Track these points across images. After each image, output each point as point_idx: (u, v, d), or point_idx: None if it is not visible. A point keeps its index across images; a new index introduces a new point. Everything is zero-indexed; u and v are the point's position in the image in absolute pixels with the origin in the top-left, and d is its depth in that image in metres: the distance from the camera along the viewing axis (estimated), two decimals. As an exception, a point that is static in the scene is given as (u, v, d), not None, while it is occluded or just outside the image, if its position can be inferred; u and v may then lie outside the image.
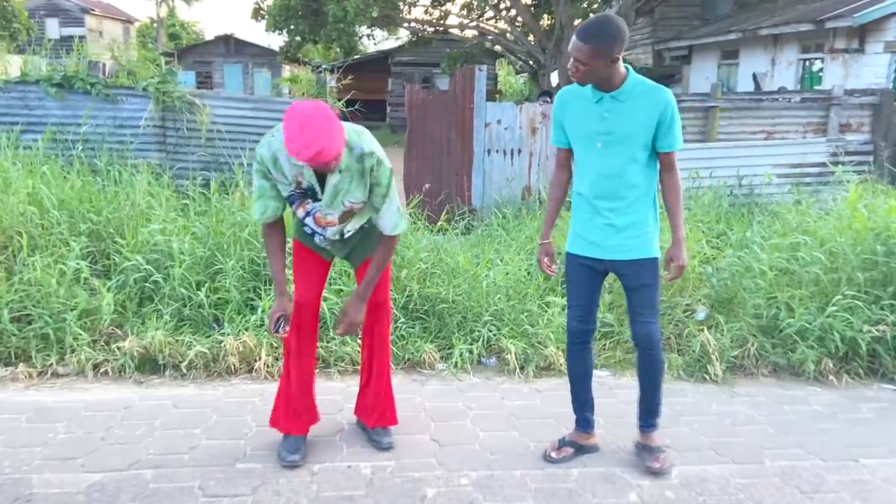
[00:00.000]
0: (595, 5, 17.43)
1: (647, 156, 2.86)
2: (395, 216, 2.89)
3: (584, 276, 3.04)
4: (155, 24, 49.00)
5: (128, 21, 47.13)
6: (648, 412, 3.12)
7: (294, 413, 3.12)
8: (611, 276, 3.25)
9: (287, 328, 2.89)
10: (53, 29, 38.06)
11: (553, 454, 3.13)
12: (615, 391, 3.92)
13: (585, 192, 2.95)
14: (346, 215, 2.88)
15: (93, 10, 41.71)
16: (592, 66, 2.71)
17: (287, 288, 2.96)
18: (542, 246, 3.17)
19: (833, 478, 3.04)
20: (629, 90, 2.80)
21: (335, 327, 3.08)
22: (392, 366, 4.13)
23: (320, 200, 2.81)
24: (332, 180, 2.74)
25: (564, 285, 4.99)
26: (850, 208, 4.74)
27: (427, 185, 6.83)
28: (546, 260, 3.16)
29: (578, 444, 3.18)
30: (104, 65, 8.83)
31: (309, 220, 2.91)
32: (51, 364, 3.88)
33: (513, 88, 33.80)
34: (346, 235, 3.00)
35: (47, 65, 8.71)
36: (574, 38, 2.73)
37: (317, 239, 3.00)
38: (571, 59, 2.75)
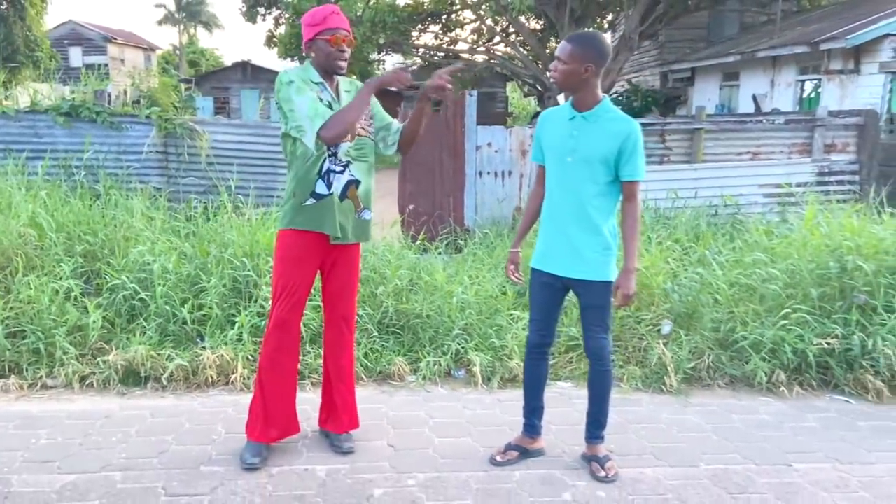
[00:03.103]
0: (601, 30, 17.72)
1: (608, 181, 3.05)
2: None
3: (545, 292, 3.25)
4: (177, 52, 50.08)
5: (150, 49, 48.22)
6: (596, 424, 3.30)
7: (272, 422, 3.31)
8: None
9: None
10: (76, 57, 39.17)
11: (498, 457, 3.32)
12: (574, 401, 4.09)
13: (551, 208, 3.17)
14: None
15: (115, 38, 42.80)
16: (570, 67, 2.95)
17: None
18: (511, 254, 3.41)
19: (762, 480, 3.20)
20: (600, 114, 3.03)
21: None
22: (363, 377, 4.38)
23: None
24: (344, 98, 3.18)
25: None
26: (807, 227, 4.90)
27: (411, 207, 7.06)
28: (512, 267, 3.39)
29: (524, 448, 3.37)
30: (110, 93, 9.19)
31: None
32: (41, 377, 4.14)
33: (527, 111, 34.15)
34: (353, 172, 3.18)
35: (70, 92, 9.09)
36: (562, 41, 3.02)
37: (331, 168, 3.13)
38: (554, 61, 3.02)
